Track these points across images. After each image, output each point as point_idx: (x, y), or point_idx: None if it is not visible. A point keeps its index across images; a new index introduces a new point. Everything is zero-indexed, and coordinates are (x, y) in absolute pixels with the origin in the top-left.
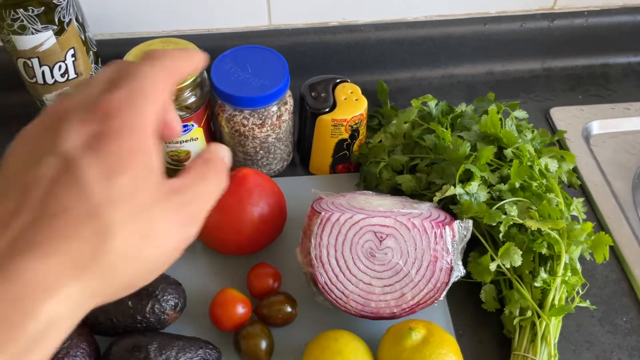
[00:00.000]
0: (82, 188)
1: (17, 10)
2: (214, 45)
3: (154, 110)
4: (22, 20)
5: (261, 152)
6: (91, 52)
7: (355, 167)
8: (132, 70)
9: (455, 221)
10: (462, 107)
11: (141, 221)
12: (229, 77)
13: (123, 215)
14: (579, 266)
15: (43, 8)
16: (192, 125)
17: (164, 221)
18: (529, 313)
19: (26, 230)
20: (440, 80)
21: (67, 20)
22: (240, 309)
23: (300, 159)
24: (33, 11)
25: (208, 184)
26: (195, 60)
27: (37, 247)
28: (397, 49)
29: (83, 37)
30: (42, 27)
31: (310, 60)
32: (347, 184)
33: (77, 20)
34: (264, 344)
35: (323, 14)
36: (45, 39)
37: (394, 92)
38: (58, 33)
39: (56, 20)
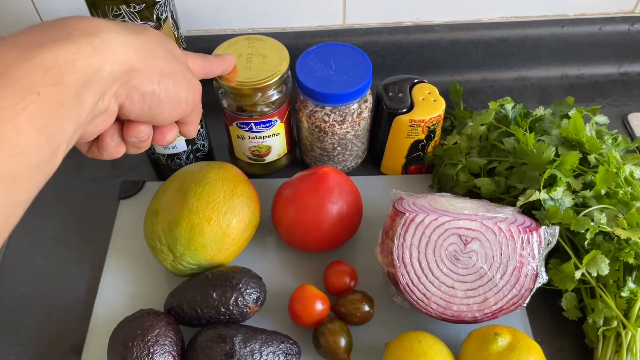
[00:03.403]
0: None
1: (120, 6)
2: (288, 43)
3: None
4: (124, 17)
5: (338, 148)
6: (181, 49)
7: (427, 168)
8: None
9: (542, 227)
10: (539, 111)
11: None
12: (314, 74)
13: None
14: None
15: (144, 5)
16: (276, 121)
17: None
18: (614, 323)
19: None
20: (513, 83)
21: (164, 17)
22: (320, 306)
23: (372, 158)
24: (135, 7)
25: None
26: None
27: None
28: (470, 50)
29: (176, 34)
30: (141, 24)
31: (382, 60)
32: (419, 185)
33: (172, 17)
34: (343, 341)
35: (397, 14)
36: None
37: (465, 93)
38: (155, 29)
39: (154, 17)
